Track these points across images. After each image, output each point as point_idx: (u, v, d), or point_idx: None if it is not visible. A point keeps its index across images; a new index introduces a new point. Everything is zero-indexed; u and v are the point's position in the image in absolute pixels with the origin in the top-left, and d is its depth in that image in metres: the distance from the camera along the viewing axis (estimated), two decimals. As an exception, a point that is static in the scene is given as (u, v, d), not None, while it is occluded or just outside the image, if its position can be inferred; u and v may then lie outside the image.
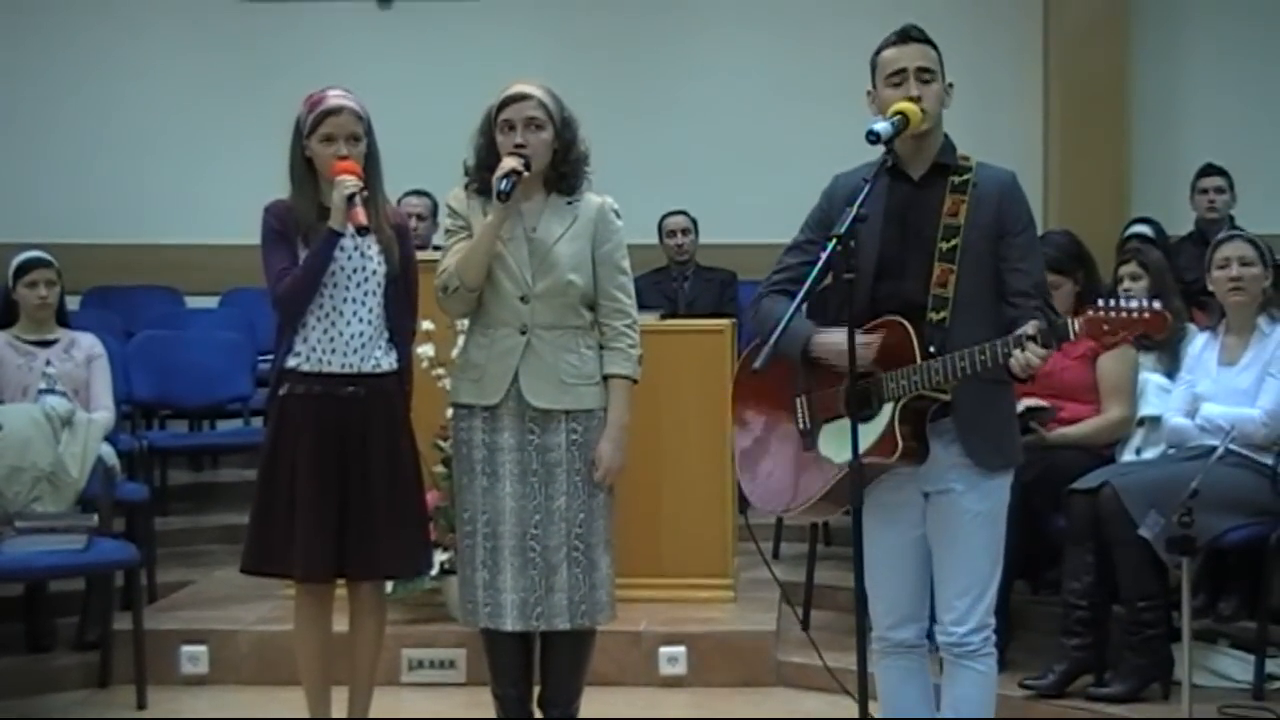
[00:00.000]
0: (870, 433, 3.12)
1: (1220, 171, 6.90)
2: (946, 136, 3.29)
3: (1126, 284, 5.10)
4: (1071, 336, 2.95)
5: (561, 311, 3.70)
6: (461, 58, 8.03)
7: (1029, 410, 4.54)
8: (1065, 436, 4.73)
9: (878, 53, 3.26)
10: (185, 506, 6.77)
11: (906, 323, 3.14)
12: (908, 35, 3.24)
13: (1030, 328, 2.97)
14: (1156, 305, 2.88)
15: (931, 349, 3.11)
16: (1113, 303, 2.90)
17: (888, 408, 3.13)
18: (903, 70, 3.20)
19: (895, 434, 3.10)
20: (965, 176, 3.23)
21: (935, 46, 3.25)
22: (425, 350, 4.64)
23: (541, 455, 3.68)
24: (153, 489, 6.05)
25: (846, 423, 3.10)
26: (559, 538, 3.68)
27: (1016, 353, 2.98)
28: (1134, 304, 2.89)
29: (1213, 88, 8.10)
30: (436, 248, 4.58)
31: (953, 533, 3.24)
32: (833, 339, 3.14)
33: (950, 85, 3.26)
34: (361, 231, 3.68)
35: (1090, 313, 2.91)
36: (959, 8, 7.83)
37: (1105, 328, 2.89)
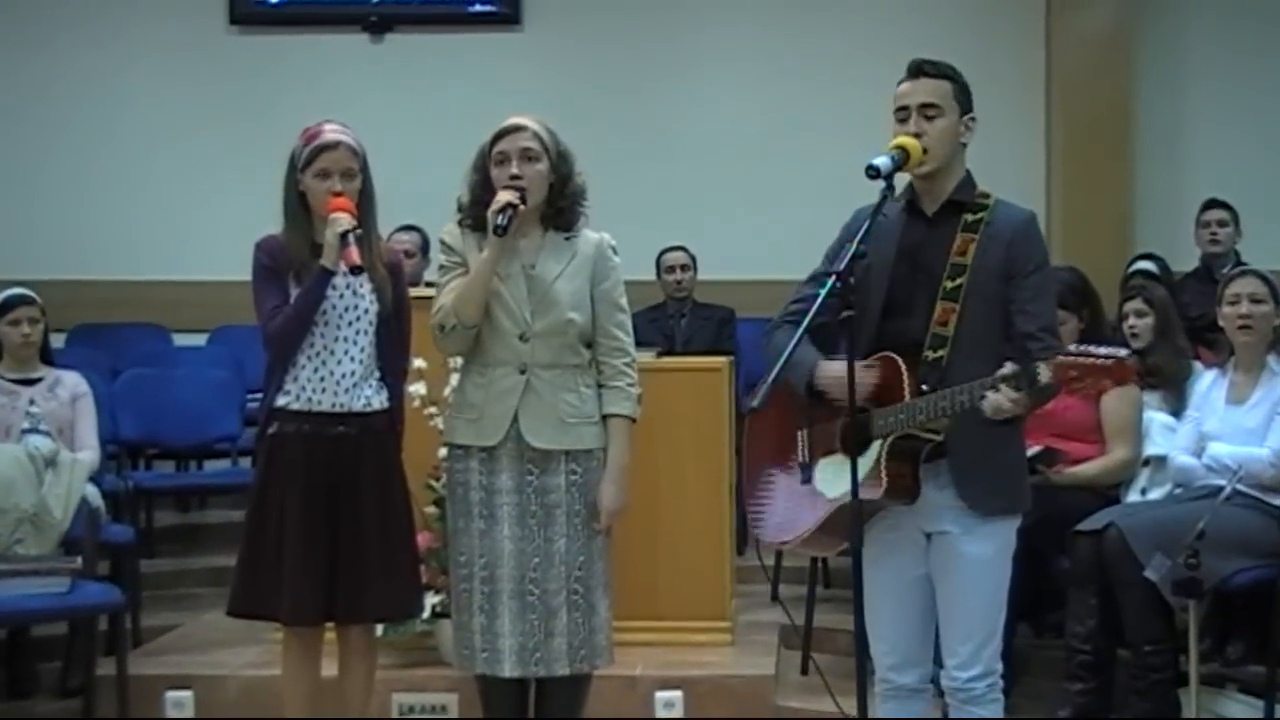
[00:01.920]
0: (859, 469, 3.11)
1: (1224, 205, 6.92)
2: (968, 173, 3.29)
3: (1131, 321, 5.13)
4: (1041, 381, 2.93)
5: (560, 350, 3.71)
6: (455, 92, 8.07)
7: (1036, 455, 4.54)
8: (1072, 477, 4.73)
9: (898, 86, 3.29)
10: (172, 548, 6.75)
11: (900, 359, 3.16)
12: (916, 70, 3.26)
13: (1005, 370, 2.97)
14: (1123, 353, 2.84)
15: (925, 388, 3.12)
16: (1083, 348, 2.89)
17: (876, 445, 3.14)
18: (905, 108, 3.23)
19: (880, 471, 3.11)
20: (980, 215, 3.24)
21: (954, 80, 3.24)
22: (417, 389, 4.64)
23: (540, 497, 3.69)
24: (138, 530, 6.03)
25: (840, 458, 3.13)
26: (559, 581, 3.67)
27: (990, 394, 2.98)
28: (1102, 350, 2.85)
29: (1219, 121, 8.13)
30: (428, 284, 4.60)
31: (952, 576, 3.24)
32: (836, 368, 3.15)
33: (971, 119, 3.26)
34: (354, 271, 3.70)
35: (1060, 358, 2.90)
36: (959, 40, 7.85)
37: (1073, 374, 2.87)
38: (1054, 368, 2.90)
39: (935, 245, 3.24)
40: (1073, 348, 2.91)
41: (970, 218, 3.24)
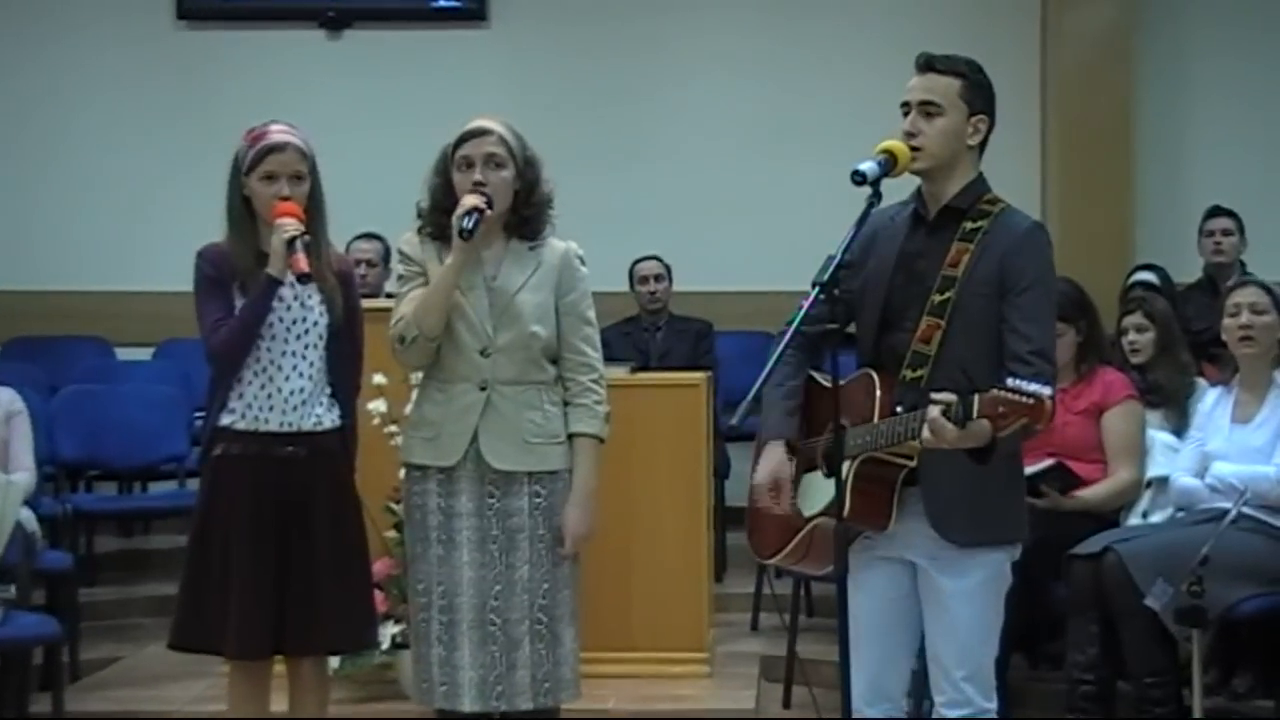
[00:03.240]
0: (829, 490, 3.10)
1: (1228, 213, 6.95)
2: (980, 178, 3.26)
3: (1132, 335, 5.15)
4: (974, 415, 2.88)
5: (524, 366, 3.70)
6: (417, 93, 8.05)
7: (1045, 472, 4.54)
8: (1075, 502, 4.73)
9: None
10: (114, 576, 6.71)
11: (876, 377, 3.15)
12: (924, 64, 3.23)
13: (942, 396, 2.92)
14: (1046, 393, 2.83)
15: (900, 409, 3.09)
16: (1016, 383, 2.86)
17: (846, 465, 3.12)
18: (905, 103, 3.22)
19: (845, 494, 3.07)
20: (980, 223, 3.20)
21: (967, 78, 3.21)
22: (377, 406, 4.63)
23: (502, 520, 3.67)
24: (77, 557, 6.00)
25: (819, 475, 3.14)
26: (521, 610, 3.66)
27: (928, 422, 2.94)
28: (1029, 388, 2.83)
29: (1223, 125, 8.16)
30: (389, 295, 4.59)
31: (933, 610, 3.24)
32: (765, 470, 3.26)
33: (979, 119, 3.22)
34: (302, 279, 3.68)
35: (993, 392, 2.87)
36: (948, 41, 7.87)
37: (1000, 409, 2.85)
38: (985, 402, 2.86)
39: (932, 254, 3.22)
40: (1010, 381, 2.87)
41: (969, 226, 3.21)
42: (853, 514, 3.07)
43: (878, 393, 3.13)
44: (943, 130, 3.20)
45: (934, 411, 2.92)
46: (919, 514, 3.17)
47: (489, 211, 3.62)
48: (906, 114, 3.22)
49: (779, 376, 3.22)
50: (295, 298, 3.78)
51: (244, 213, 3.80)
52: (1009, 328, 3.14)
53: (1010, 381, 2.88)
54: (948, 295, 3.16)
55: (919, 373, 3.14)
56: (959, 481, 3.10)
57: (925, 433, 2.94)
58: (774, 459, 3.31)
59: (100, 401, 6.71)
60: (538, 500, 3.69)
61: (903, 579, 3.27)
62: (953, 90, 3.21)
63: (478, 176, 3.64)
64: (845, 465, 3.10)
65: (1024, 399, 2.83)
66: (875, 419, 3.11)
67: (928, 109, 3.20)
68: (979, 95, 3.23)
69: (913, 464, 3.12)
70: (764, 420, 3.29)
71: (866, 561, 3.24)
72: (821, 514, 3.12)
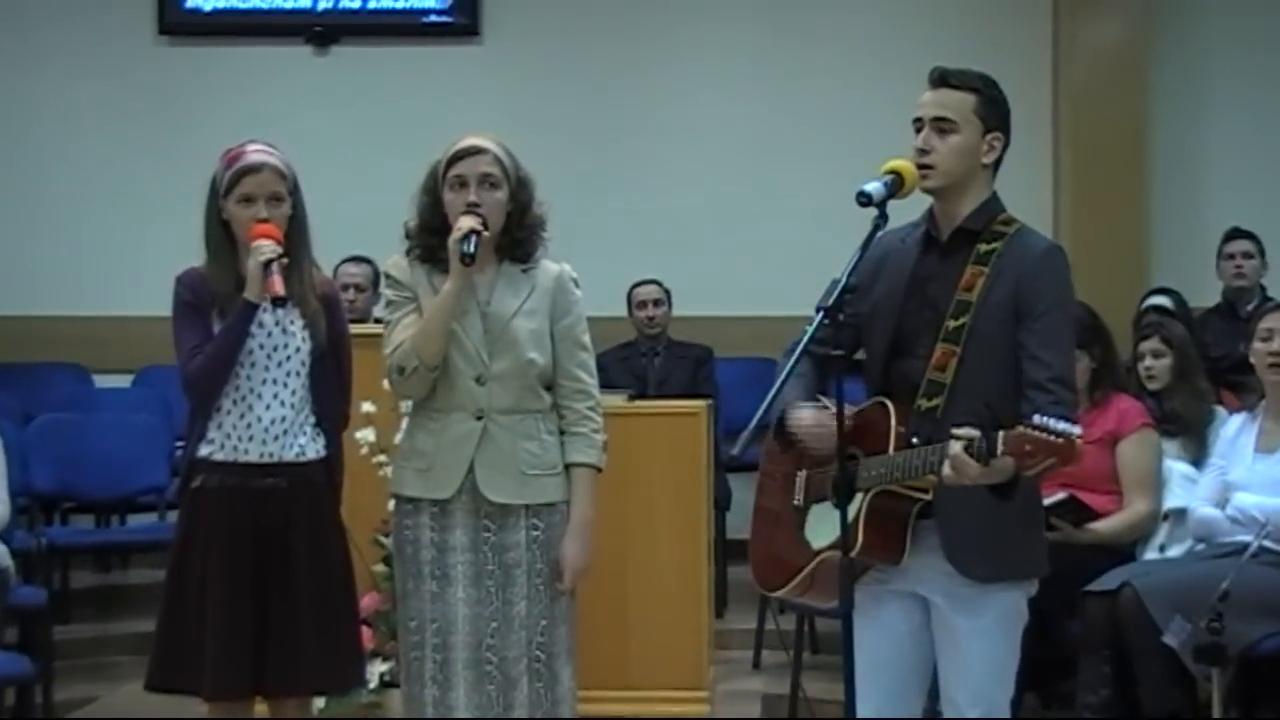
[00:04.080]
0: (839, 522, 3.11)
1: (1249, 235, 6.96)
2: (993, 198, 3.25)
3: (1148, 361, 5.15)
4: (997, 453, 2.87)
5: (520, 394, 3.70)
6: (408, 110, 8.08)
7: (1057, 504, 4.54)
8: (1089, 535, 4.73)
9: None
10: (90, 613, 6.70)
11: (890, 406, 3.15)
12: (938, 79, 3.23)
13: (963, 431, 2.92)
14: (1076, 432, 2.81)
15: (915, 440, 3.09)
16: (1044, 421, 2.83)
17: (859, 497, 3.12)
18: (918, 119, 3.22)
19: (858, 527, 3.08)
20: (995, 245, 3.19)
21: (981, 93, 3.21)
22: (365, 435, 4.63)
23: (498, 555, 3.67)
24: (52, 593, 5.99)
25: (829, 506, 3.13)
26: (518, 648, 3.65)
27: (949, 458, 2.93)
28: (1059, 426, 2.81)
29: (1243, 142, 8.18)
30: (377, 320, 4.59)
31: (946, 649, 3.23)
32: (807, 415, 3.14)
33: (994, 136, 3.22)
34: (278, 303, 3.68)
35: (1020, 429, 2.85)
36: (956, 54, 7.87)
37: (1027, 447, 2.83)
38: (1010, 440, 2.85)
39: (944, 278, 3.21)
40: (1036, 419, 2.85)
41: (983, 248, 3.20)
42: (865, 548, 3.07)
43: (892, 423, 3.12)
44: (956, 148, 3.19)
45: (955, 447, 2.91)
46: (934, 548, 3.16)
47: (486, 233, 3.62)
48: (918, 130, 3.21)
49: (791, 394, 3.21)
50: (276, 323, 3.78)
51: (222, 237, 3.80)
52: (1027, 354, 3.13)
53: (1037, 419, 2.85)
54: (962, 320, 3.15)
55: (934, 402, 3.13)
56: (976, 515, 3.09)
57: (946, 469, 2.93)
58: (806, 413, 3.18)
59: (77, 430, 6.72)
60: (535, 533, 3.68)
61: (914, 614, 3.26)
62: (967, 106, 3.20)
63: (472, 197, 3.64)
64: (858, 497, 3.11)
65: (1053, 438, 2.81)
66: (890, 450, 3.10)
67: (941, 125, 3.19)
68: (994, 112, 3.23)
69: (928, 497, 3.11)
70: (774, 403, 3.18)
71: (876, 596, 3.24)
72: (831, 547, 3.11)
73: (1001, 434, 2.86)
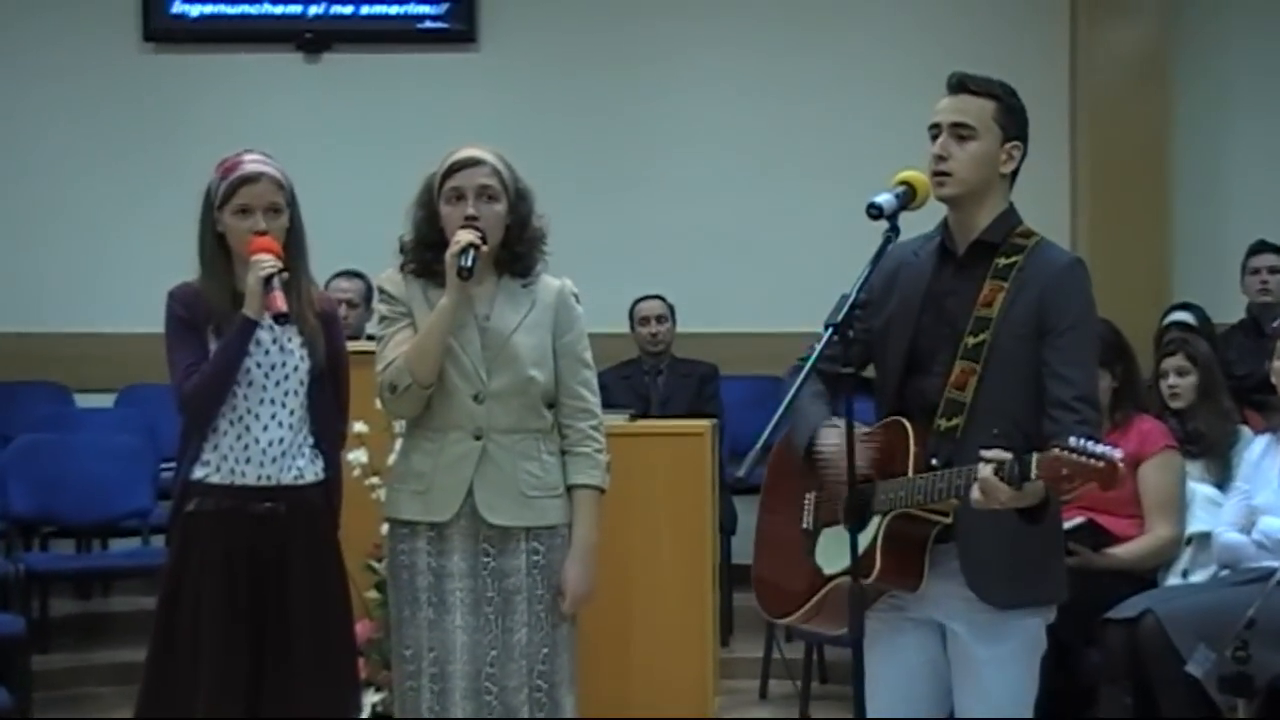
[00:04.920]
0: (858, 545, 3.11)
1: (1275, 249, 6.97)
2: (1010, 209, 3.26)
3: (1172, 380, 5.15)
4: (1031, 476, 2.89)
5: (521, 412, 3.71)
6: (402, 120, 8.10)
7: (1075, 529, 4.54)
8: (1108, 561, 4.73)
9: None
10: (70, 642, 6.70)
11: (909, 426, 3.16)
12: (956, 85, 3.24)
13: (993, 453, 2.93)
14: (1117, 455, 2.82)
15: (934, 461, 3.11)
16: (1080, 444, 2.83)
17: (875, 521, 3.13)
18: (936, 125, 3.22)
19: (875, 552, 3.09)
20: (1014, 259, 3.20)
21: (1001, 100, 3.22)
22: (357, 456, 4.64)
23: (498, 581, 3.68)
24: (30, 621, 5.99)
25: (841, 530, 3.12)
26: (519, 677, 3.66)
27: (978, 481, 2.94)
28: (1098, 449, 2.82)
29: (1269, 153, 8.18)
30: (371, 337, 4.59)
31: (964, 679, 3.23)
32: (837, 437, 3.12)
33: (1016, 146, 3.23)
34: (280, 320, 3.69)
35: (1055, 451, 2.86)
36: (970, 61, 7.90)
37: (1064, 471, 2.84)
38: (1046, 463, 2.87)
39: (962, 292, 3.22)
40: (1071, 441, 2.85)
41: (1002, 262, 3.20)
42: (882, 573, 3.09)
43: (911, 444, 3.13)
44: (975, 155, 3.20)
45: (986, 470, 2.92)
46: (952, 573, 3.16)
47: (484, 247, 3.64)
48: (935, 136, 3.22)
49: (817, 414, 3.22)
50: (274, 341, 3.79)
51: (217, 250, 3.81)
52: (1050, 372, 3.14)
53: (1072, 440, 2.85)
54: (982, 337, 3.16)
55: (954, 421, 3.14)
56: (997, 540, 3.10)
57: (975, 494, 2.94)
58: (833, 434, 3.18)
59: (57, 452, 6.71)
60: (536, 558, 3.69)
61: (930, 643, 3.27)
62: (986, 113, 3.22)
63: (470, 210, 3.66)
64: (874, 521, 3.12)
65: (1093, 461, 2.81)
66: (910, 472, 3.11)
67: (960, 131, 3.20)
68: (1013, 120, 3.24)
69: (947, 520, 3.12)
70: (802, 420, 3.21)
71: (891, 625, 3.24)
72: (845, 572, 3.11)
73: (1035, 456, 2.88)
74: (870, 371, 3.33)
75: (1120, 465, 2.82)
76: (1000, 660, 3.20)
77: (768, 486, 3.50)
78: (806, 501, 3.34)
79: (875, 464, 3.17)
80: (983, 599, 3.15)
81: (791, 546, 3.35)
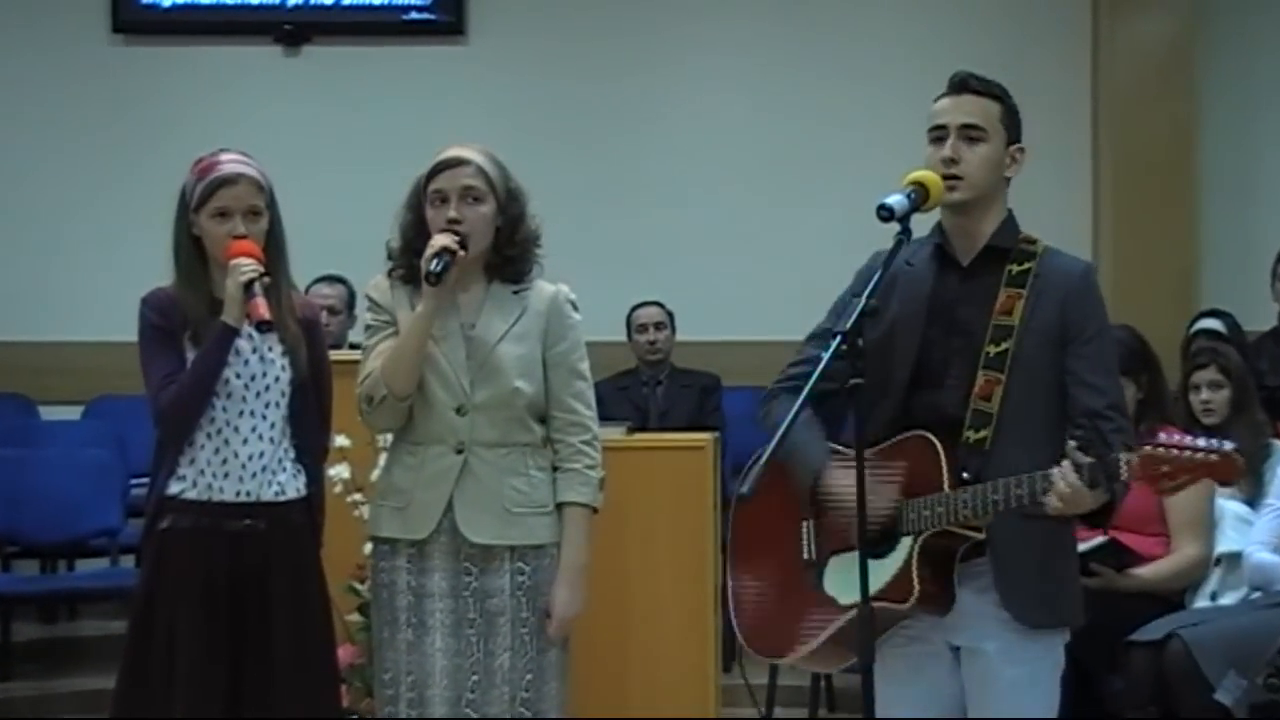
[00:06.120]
0: (883, 571, 3.14)
1: (1308, 253, 6.99)
2: (1011, 215, 3.31)
3: (1205, 394, 5.15)
4: (1122, 476, 2.97)
5: (506, 425, 3.72)
6: (386, 116, 8.12)
7: (1098, 548, 4.55)
8: (1133, 581, 4.73)
9: (935, 102, 3.33)
10: (33, 668, 6.69)
11: (935, 440, 3.18)
12: (960, 84, 3.28)
13: (1076, 457, 2.99)
14: (1228, 447, 2.89)
15: (965, 475, 3.14)
16: (1174, 438, 2.92)
17: (905, 542, 3.16)
18: (943, 126, 3.25)
19: (911, 575, 3.12)
20: (1026, 265, 3.25)
21: (1003, 102, 3.28)
22: (339, 472, 4.64)
23: (480, 602, 3.69)
24: (-7, 646, 6.00)
25: (852, 557, 3.10)
26: (501, 704, 3.67)
27: (1056, 487, 2.99)
28: (1200, 442, 2.89)
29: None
30: (354, 346, 4.62)
31: (989, 702, 3.25)
32: (845, 483, 3.14)
33: (1019, 149, 3.29)
34: (263, 328, 3.70)
35: (1148, 449, 2.93)
36: (986, 57, 7.90)
37: (1164, 469, 2.90)
38: (1141, 461, 2.93)
39: (973, 301, 3.26)
40: (1163, 436, 2.94)
41: (1015, 269, 3.25)
42: (921, 597, 3.11)
43: (943, 459, 3.15)
44: (986, 158, 3.25)
45: (1069, 475, 2.97)
46: (978, 590, 3.20)
47: (462, 253, 3.64)
48: (939, 139, 3.25)
49: (816, 449, 3.25)
50: (254, 350, 3.80)
51: (194, 254, 3.82)
52: (1077, 381, 3.20)
53: (1163, 436, 2.95)
54: (1005, 346, 3.20)
55: (982, 434, 3.18)
56: (1031, 554, 3.17)
57: (1054, 500, 2.99)
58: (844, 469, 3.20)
59: (21, 468, 6.72)
60: (521, 579, 3.70)
61: (945, 669, 3.29)
62: (993, 114, 3.27)
63: (452, 213, 3.67)
64: (904, 542, 3.14)
65: (1203, 455, 2.89)
66: (946, 488, 3.13)
67: (971, 133, 3.24)
68: (1014, 122, 3.30)
69: (981, 536, 3.16)
70: (802, 454, 3.23)
71: (908, 657, 3.26)
72: (881, 598, 3.10)
73: (1124, 457, 2.95)
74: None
75: (1237, 457, 2.89)
76: (1026, 681, 3.24)
77: (739, 542, 3.49)
78: (804, 530, 3.35)
79: (900, 483, 3.18)
80: (1018, 619, 3.19)
81: (788, 584, 3.36)
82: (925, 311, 3.27)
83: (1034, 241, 3.30)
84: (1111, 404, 3.20)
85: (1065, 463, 2.99)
